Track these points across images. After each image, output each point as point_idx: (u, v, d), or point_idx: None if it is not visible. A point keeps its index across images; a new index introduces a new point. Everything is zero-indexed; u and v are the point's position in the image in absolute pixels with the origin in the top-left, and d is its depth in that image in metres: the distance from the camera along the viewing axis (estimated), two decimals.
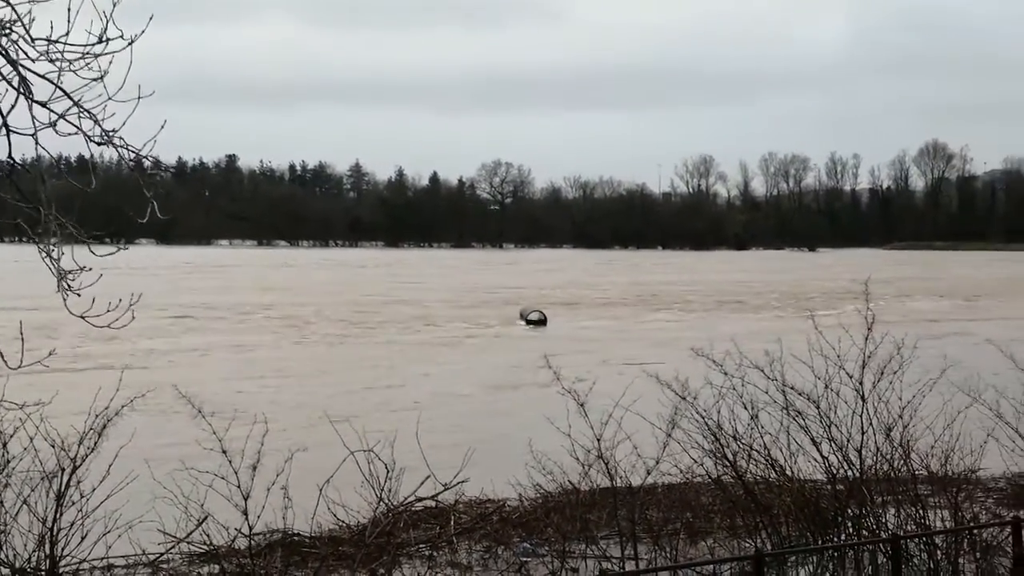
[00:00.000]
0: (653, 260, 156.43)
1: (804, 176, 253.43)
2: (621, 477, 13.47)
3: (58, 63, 6.76)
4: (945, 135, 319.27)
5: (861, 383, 13.53)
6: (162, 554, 13.48)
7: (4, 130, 6.84)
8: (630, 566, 12.69)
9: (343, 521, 14.01)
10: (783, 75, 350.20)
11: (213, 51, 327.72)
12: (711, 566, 13.38)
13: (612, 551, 13.64)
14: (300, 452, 13.45)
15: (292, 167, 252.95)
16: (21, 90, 6.74)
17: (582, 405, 13.50)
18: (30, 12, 6.67)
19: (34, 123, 6.81)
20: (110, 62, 6.81)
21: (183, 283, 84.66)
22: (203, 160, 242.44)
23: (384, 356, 42.14)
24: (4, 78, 6.71)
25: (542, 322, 55.52)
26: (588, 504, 14.29)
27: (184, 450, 15.31)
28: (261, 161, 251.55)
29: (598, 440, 13.23)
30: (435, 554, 13.84)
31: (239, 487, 12.06)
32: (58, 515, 11.62)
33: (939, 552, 12.36)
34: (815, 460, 13.84)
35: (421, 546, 13.85)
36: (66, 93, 6.80)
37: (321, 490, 12.96)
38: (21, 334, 8.88)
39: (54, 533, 11.56)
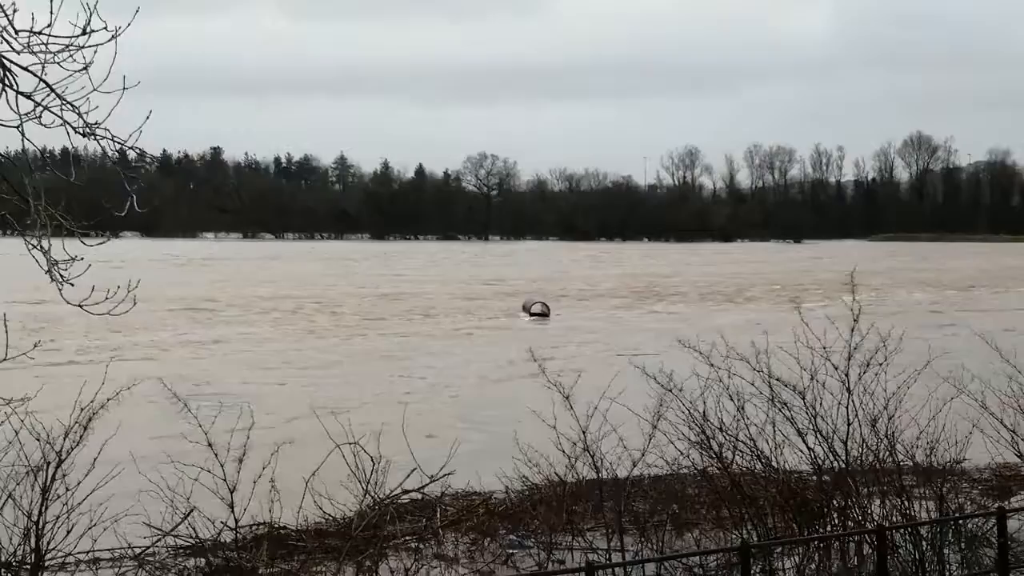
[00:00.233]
0: (642, 252, 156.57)
1: (789, 168, 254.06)
2: (607, 469, 13.48)
3: (42, 55, 6.74)
4: (929, 127, 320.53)
5: (847, 375, 13.57)
6: (148, 547, 13.46)
7: None
8: (616, 558, 12.71)
9: (329, 514, 13.99)
10: (768, 67, 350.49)
11: (198, 43, 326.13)
12: (697, 557, 13.41)
13: (598, 543, 13.65)
14: (287, 445, 13.46)
15: (277, 159, 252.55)
16: (5, 81, 6.71)
17: (567, 397, 13.50)
18: (13, 3, 6.65)
19: (20, 115, 6.78)
20: (94, 53, 6.79)
21: (176, 277, 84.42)
22: (188, 153, 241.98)
23: (385, 349, 42.15)
24: None
25: (545, 314, 55.61)
26: (574, 496, 14.30)
27: (170, 443, 15.27)
28: (246, 153, 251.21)
29: (584, 432, 13.24)
30: (421, 546, 13.84)
31: (225, 480, 12.04)
32: (43, 509, 11.59)
33: (924, 543, 12.40)
34: (801, 451, 13.87)
35: (407, 538, 13.85)
36: (49, 85, 6.78)
37: (307, 483, 12.95)
38: (5, 326, 8.85)
39: (39, 527, 11.52)
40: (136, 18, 7.06)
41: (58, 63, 6.79)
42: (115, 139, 7.07)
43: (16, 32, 6.66)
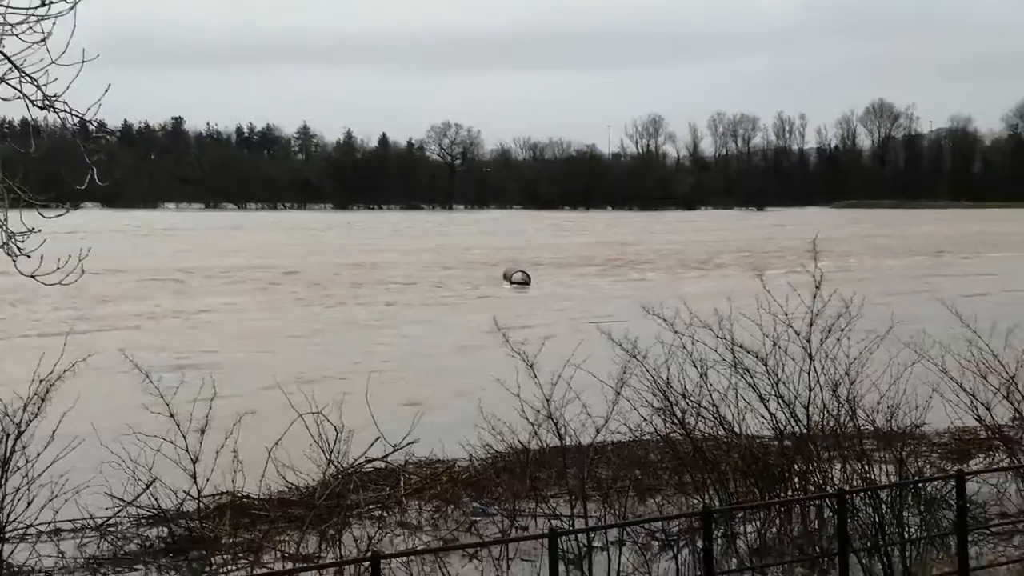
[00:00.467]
0: (607, 221, 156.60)
1: (753, 136, 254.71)
2: (571, 436, 13.50)
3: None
4: (892, 95, 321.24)
5: (809, 341, 13.63)
6: (110, 518, 13.44)
7: None
8: (580, 524, 12.75)
9: (293, 484, 13.98)
10: (731, 35, 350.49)
11: (158, 13, 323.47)
12: (660, 523, 13.48)
13: (562, 509, 13.70)
14: (251, 416, 13.43)
15: (239, 129, 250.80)
16: None
17: (531, 365, 13.49)
18: None
19: None
20: (53, 25, 6.70)
21: (141, 247, 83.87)
22: (148, 123, 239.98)
23: (363, 319, 41.97)
24: None
25: (526, 283, 55.63)
26: (538, 463, 14.34)
27: (133, 415, 15.18)
28: (208, 123, 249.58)
29: (548, 400, 13.25)
30: (385, 515, 13.85)
31: (188, 451, 12.01)
32: (3, 481, 11.52)
33: (884, 506, 12.50)
34: (763, 417, 13.95)
35: (371, 507, 13.85)
36: (7, 58, 6.69)
37: (270, 453, 12.93)
38: None
39: None
40: None
41: (16, 35, 6.69)
42: (73, 112, 6.99)
43: None
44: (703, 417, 13.95)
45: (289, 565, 12.06)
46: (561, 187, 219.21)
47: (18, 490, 11.61)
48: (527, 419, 13.58)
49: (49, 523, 12.46)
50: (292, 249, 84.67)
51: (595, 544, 12.78)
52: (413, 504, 14.75)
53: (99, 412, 17.56)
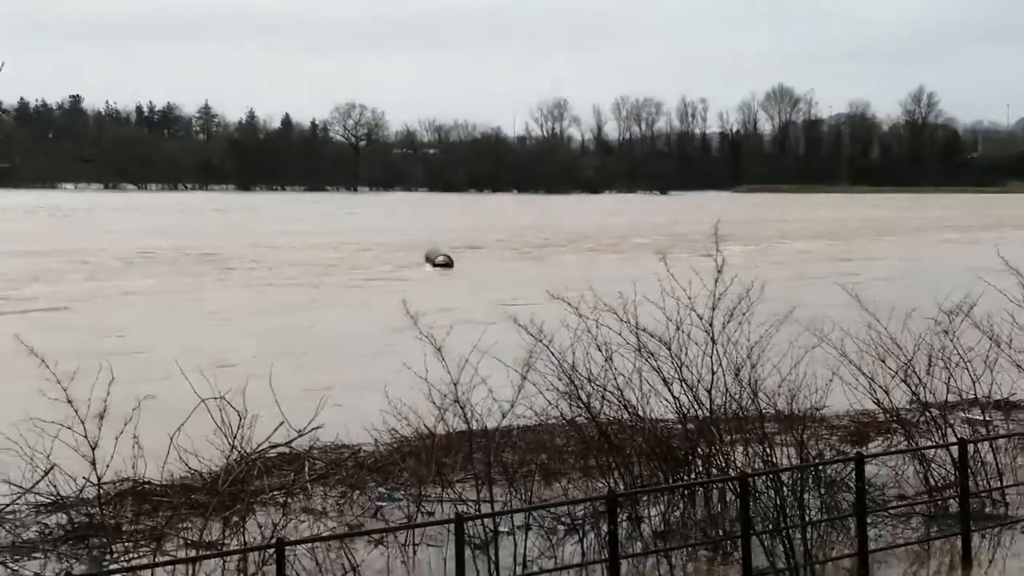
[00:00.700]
0: (515, 204, 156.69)
1: (656, 120, 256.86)
2: (477, 420, 13.50)
3: None
4: (792, 79, 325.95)
5: (711, 324, 13.77)
6: (7, 505, 13.16)
7: None
8: (486, 508, 12.76)
9: (196, 470, 13.79)
10: (636, 19, 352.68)
11: None
12: (565, 507, 13.54)
13: (468, 494, 13.70)
14: (151, 401, 13.20)
15: (139, 108, 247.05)
16: None
17: (439, 349, 13.46)
18: None
19: None
20: None
21: (40, 230, 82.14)
22: (46, 101, 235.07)
23: (279, 301, 41.39)
24: None
25: (449, 265, 55.42)
26: (444, 448, 14.30)
27: (28, 401, 14.87)
28: (107, 102, 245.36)
29: (455, 384, 13.23)
30: (290, 500, 13.73)
31: (86, 437, 11.78)
32: None
33: (785, 488, 12.67)
34: (667, 401, 14.07)
35: (275, 493, 13.72)
36: None
37: (172, 439, 12.75)
38: None
39: None
40: None
41: None
42: None
43: None
44: (608, 401, 14.04)
45: (192, 552, 11.91)
46: (467, 170, 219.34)
47: None
48: (434, 403, 13.55)
49: None
50: (202, 231, 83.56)
51: (501, 529, 12.81)
52: (318, 490, 14.65)
53: None
